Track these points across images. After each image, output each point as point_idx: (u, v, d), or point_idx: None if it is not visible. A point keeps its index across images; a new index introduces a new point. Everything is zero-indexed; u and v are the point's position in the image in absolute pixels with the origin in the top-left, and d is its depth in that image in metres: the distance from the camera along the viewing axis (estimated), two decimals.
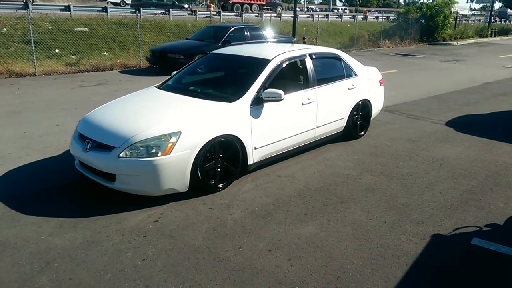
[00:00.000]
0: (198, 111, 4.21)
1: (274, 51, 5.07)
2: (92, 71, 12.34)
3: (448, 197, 4.21)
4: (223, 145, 4.17)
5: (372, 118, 6.40)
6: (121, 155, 3.76)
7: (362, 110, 6.04)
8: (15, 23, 13.72)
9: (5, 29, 13.67)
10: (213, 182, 4.18)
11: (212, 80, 5.44)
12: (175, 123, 3.96)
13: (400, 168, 5.00)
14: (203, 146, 3.94)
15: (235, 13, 24.82)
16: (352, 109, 5.80)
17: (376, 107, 6.42)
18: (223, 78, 5.47)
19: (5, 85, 9.77)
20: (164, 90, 4.99)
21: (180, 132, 3.87)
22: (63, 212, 3.76)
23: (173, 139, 3.82)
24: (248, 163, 4.47)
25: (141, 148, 3.78)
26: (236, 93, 4.47)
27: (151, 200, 3.93)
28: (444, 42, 26.75)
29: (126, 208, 3.84)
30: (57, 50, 13.75)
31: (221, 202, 4.02)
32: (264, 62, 4.78)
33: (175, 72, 5.56)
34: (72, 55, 13.56)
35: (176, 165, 3.84)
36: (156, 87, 5.18)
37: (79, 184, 4.31)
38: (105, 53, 14.43)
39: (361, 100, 5.92)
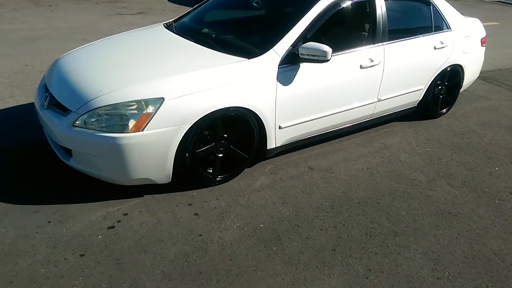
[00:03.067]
0: (198, 69, 2.84)
1: None
2: None
3: None
4: (230, 121, 2.85)
5: (461, 90, 4.65)
6: (76, 123, 2.59)
7: (449, 79, 4.31)
8: None
9: None
10: (210, 171, 2.93)
11: (238, 22, 3.93)
12: (157, 85, 2.65)
13: (495, 177, 3.38)
14: (196, 122, 2.65)
15: None
16: (436, 77, 4.10)
17: (470, 77, 4.61)
18: (253, 20, 3.95)
19: (42, 6, 8.92)
20: (171, 30, 3.64)
21: (163, 98, 2.59)
22: (1, 193, 2.75)
23: (150, 108, 2.56)
24: (268, 148, 3.13)
25: (104, 117, 2.56)
26: (260, 45, 3.03)
27: (120, 189, 2.79)
28: None
29: (82, 197, 2.74)
30: None
31: (214, 204, 2.77)
32: (309, 0, 3.23)
33: (197, 5, 4.16)
34: None
35: (153, 147, 2.60)
36: (164, 25, 3.85)
37: (42, 150, 3.25)
38: None
39: (450, 66, 4.17)
